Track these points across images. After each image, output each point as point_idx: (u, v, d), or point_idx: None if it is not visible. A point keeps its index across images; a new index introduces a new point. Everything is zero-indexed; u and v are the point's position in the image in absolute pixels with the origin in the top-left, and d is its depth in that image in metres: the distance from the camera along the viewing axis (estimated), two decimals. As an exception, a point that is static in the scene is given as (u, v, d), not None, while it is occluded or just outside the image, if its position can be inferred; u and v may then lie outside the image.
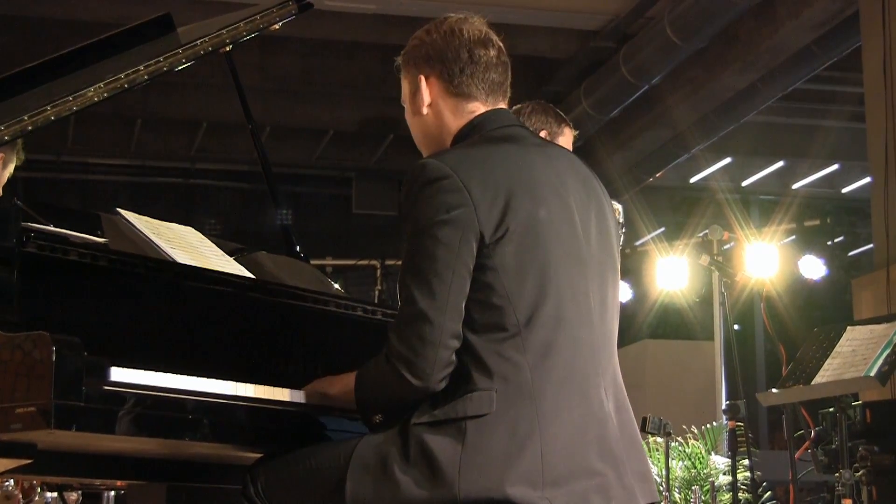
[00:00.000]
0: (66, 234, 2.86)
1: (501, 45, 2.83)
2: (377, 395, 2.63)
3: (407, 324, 2.52)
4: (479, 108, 2.78)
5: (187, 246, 3.13)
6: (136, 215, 3.14)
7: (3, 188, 4.26)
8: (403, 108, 2.90)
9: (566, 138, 4.16)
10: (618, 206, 4.46)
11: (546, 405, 2.49)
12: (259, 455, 2.79)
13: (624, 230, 4.44)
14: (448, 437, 2.47)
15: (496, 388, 2.49)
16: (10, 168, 4.28)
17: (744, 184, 13.75)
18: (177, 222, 3.33)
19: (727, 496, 6.81)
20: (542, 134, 4.05)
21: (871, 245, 9.33)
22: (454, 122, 2.77)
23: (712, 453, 7.60)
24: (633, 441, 2.68)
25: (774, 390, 5.42)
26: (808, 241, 12.68)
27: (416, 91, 2.80)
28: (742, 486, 6.69)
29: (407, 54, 2.84)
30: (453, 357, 2.51)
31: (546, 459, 2.45)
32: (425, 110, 2.79)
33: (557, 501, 2.45)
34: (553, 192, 2.63)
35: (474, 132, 2.74)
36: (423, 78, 2.79)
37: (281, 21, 3.75)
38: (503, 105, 2.84)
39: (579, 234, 2.66)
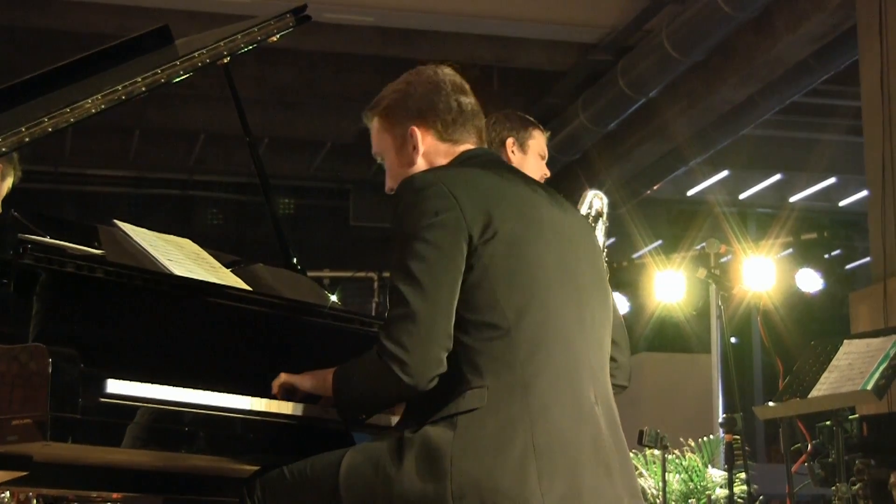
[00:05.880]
0: (63, 245, 2.86)
1: None
2: (363, 392, 2.66)
3: (397, 323, 2.55)
4: (468, 147, 2.86)
5: (184, 258, 3.13)
6: (134, 227, 3.14)
7: (1, 200, 4.26)
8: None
9: (537, 140, 4.03)
10: (602, 197, 4.38)
11: (537, 400, 2.53)
12: (256, 468, 2.79)
13: (607, 224, 4.36)
14: (439, 432, 2.50)
15: (487, 384, 2.53)
16: (9, 182, 4.28)
17: (741, 197, 13.76)
18: (174, 234, 3.33)
19: (724, 509, 6.80)
20: (510, 141, 3.97)
21: (868, 258, 9.32)
22: (445, 161, 2.83)
23: (709, 466, 7.59)
24: (625, 460, 2.70)
25: (771, 403, 5.41)
26: (805, 254, 12.66)
27: (404, 143, 2.85)
28: (739, 500, 6.68)
29: (389, 108, 2.89)
30: (444, 356, 2.54)
31: (539, 452, 2.48)
32: (419, 160, 2.84)
33: (552, 495, 2.47)
34: (539, 212, 2.71)
35: (464, 162, 2.81)
36: (415, 129, 2.83)
37: (279, 33, 3.76)
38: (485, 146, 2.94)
39: (567, 251, 2.72)
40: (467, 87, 2.90)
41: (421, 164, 2.83)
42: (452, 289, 2.56)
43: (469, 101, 2.88)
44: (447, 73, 2.89)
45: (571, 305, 2.67)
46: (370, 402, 2.68)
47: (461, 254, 2.57)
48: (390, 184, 2.90)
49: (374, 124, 2.92)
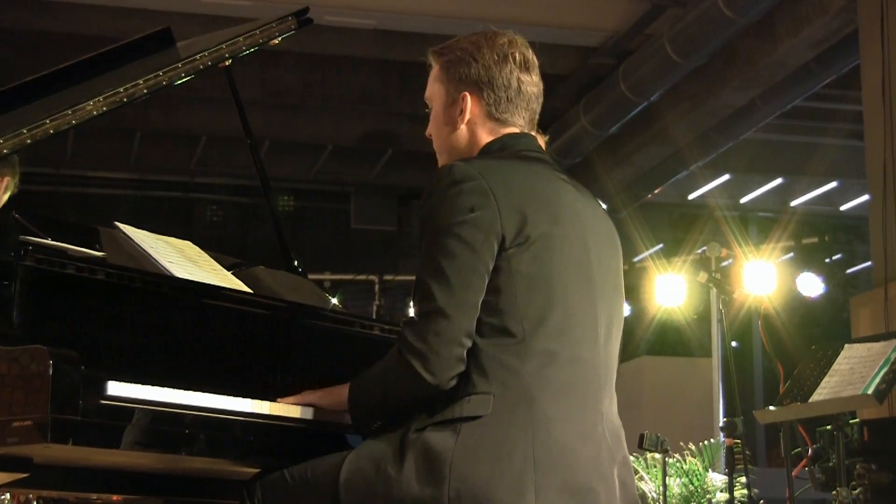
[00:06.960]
0: (64, 247, 2.86)
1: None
2: (380, 398, 2.64)
3: (424, 320, 2.53)
4: (514, 130, 2.80)
5: (185, 260, 3.13)
6: (135, 229, 3.14)
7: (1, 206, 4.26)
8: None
9: None
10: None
11: (542, 414, 2.50)
12: (256, 470, 2.79)
13: None
14: (442, 437, 2.49)
15: (493, 392, 2.51)
16: (7, 194, 4.28)
17: (742, 201, 13.77)
18: (175, 236, 3.32)
19: (724, 513, 6.79)
20: None
21: (869, 263, 9.33)
22: (486, 139, 2.79)
23: (710, 470, 7.59)
24: (627, 477, 2.69)
25: (772, 408, 5.41)
26: (806, 258, 12.69)
27: (452, 104, 2.80)
28: (739, 504, 6.68)
29: (451, 64, 2.82)
30: (464, 355, 2.52)
31: (538, 466, 2.46)
32: (461, 125, 2.80)
33: None
34: (569, 214, 2.66)
35: (504, 148, 2.76)
36: (467, 95, 2.78)
37: (281, 36, 3.76)
38: (534, 133, 2.86)
39: (592, 260, 2.68)
40: (535, 64, 2.83)
41: (462, 131, 2.79)
42: (479, 289, 2.53)
43: (530, 80, 2.80)
44: (519, 44, 2.82)
45: (588, 320, 2.64)
46: (387, 406, 2.64)
47: (491, 254, 2.54)
48: (430, 129, 2.87)
49: (435, 69, 2.86)
